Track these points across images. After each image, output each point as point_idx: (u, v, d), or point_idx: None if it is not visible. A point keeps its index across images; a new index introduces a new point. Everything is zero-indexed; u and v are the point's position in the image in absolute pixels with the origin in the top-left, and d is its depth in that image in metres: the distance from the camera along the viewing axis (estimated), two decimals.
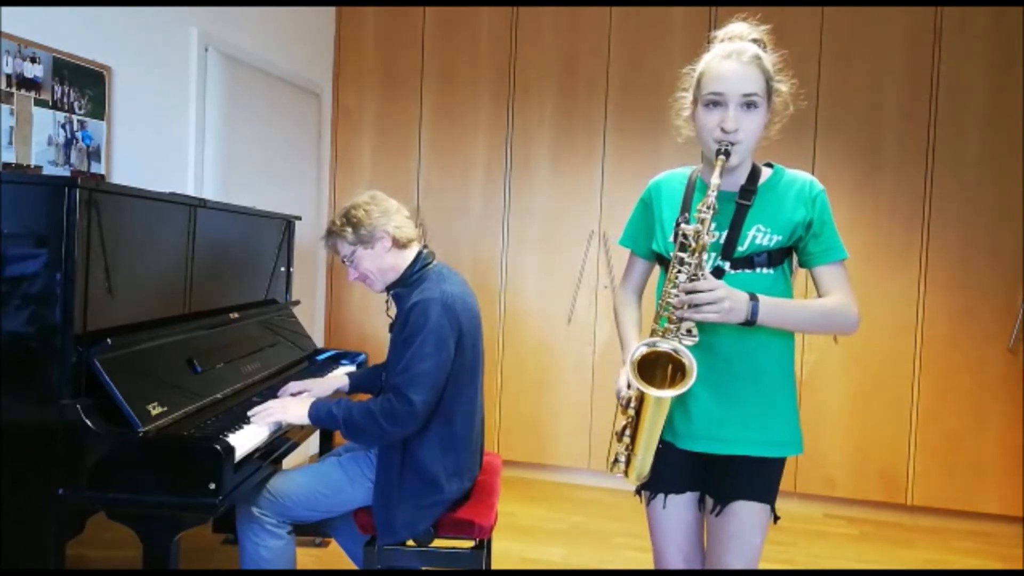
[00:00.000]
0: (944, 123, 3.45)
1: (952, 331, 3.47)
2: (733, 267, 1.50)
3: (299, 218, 2.91)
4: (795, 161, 1.65)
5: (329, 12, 4.04)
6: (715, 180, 1.40)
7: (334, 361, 2.74)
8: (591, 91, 3.80)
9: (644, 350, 1.43)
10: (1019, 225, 3.38)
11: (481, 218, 3.96)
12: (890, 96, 3.50)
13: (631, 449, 1.52)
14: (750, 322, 1.42)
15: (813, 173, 3.34)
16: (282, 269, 2.83)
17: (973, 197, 3.43)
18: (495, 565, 2.76)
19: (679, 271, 1.43)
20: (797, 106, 1.55)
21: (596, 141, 3.81)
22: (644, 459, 1.52)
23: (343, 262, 2.12)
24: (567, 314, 3.85)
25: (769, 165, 1.58)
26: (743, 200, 1.50)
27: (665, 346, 1.42)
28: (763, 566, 2.91)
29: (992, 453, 3.43)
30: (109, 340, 1.62)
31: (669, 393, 1.40)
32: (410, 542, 1.99)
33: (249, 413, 1.91)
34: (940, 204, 3.46)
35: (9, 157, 2.15)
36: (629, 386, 1.47)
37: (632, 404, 1.49)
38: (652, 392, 1.40)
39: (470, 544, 2.04)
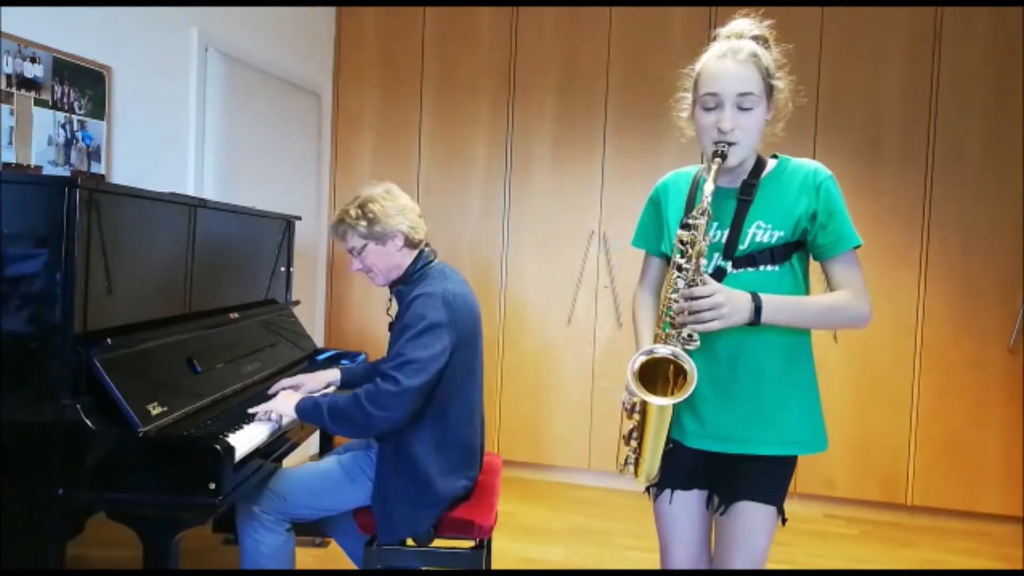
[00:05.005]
0: (944, 123, 3.45)
1: (952, 331, 3.47)
2: (735, 266, 1.48)
3: (299, 218, 2.91)
4: None
5: (329, 12, 4.04)
6: (708, 187, 1.40)
7: (334, 361, 2.74)
8: (591, 91, 3.80)
9: (643, 359, 1.43)
10: (1019, 225, 3.38)
11: (481, 218, 3.96)
12: (890, 96, 3.50)
13: (639, 452, 1.54)
14: (755, 322, 1.41)
15: None
16: (282, 269, 2.83)
17: (973, 197, 3.43)
18: (495, 565, 2.76)
19: (678, 276, 1.43)
20: (797, 103, 1.54)
21: (596, 141, 3.80)
22: (652, 462, 1.53)
23: (349, 251, 2.09)
24: (567, 314, 3.85)
25: (776, 157, 1.56)
26: (744, 196, 1.49)
27: (664, 352, 1.42)
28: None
29: (992, 453, 3.43)
30: (109, 340, 1.62)
31: (670, 401, 1.41)
32: (410, 542, 1.99)
33: (250, 411, 1.92)
34: (940, 204, 3.46)
35: (9, 157, 2.15)
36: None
37: (637, 409, 1.51)
38: (653, 401, 1.41)
39: (470, 544, 2.04)
